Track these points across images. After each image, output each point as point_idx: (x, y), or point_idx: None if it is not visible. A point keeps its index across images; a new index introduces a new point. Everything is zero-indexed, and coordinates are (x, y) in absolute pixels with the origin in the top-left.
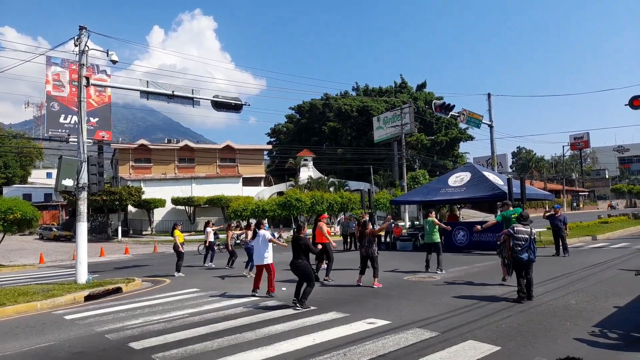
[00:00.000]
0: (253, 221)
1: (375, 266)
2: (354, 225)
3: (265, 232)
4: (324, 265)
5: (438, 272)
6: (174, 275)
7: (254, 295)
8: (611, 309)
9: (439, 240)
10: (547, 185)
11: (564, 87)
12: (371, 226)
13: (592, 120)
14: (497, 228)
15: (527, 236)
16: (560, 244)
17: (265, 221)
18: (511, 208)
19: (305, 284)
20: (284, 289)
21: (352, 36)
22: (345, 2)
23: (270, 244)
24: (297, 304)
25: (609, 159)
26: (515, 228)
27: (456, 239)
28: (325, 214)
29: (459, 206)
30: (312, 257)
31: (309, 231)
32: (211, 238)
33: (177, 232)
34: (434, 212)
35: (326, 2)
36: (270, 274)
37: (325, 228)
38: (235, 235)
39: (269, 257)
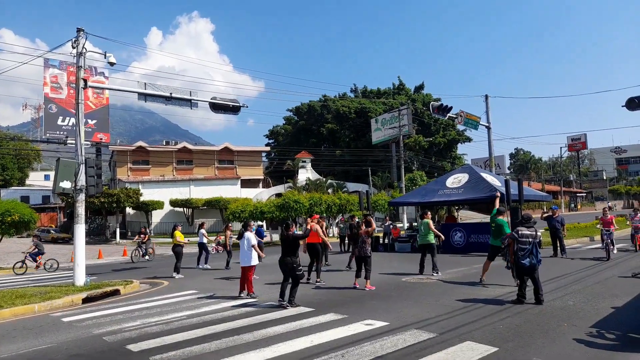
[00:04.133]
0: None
1: (367, 268)
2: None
3: (249, 236)
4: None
5: (434, 274)
6: (172, 277)
7: (240, 297)
8: (609, 309)
9: (433, 241)
10: (544, 187)
11: (561, 88)
12: (364, 227)
13: (590, 122)
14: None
15: (531, 240)
16: (558, 245)
17: (259, 223)
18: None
19: (292, 283)
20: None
21: (350, 38)
22: (344, 5)
23: (247, 247)
24: (288, 305)
25: (606, 160)
26: (519, 232)
27: (453, 240)
28: (316, 215)
29: (457, 207)
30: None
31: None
32: (204, 240)
33: (177, 233)
34: (429, 213)
35: (324, 4)
36: (249, 275)
37: (316, 227)
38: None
39: (253, 259)
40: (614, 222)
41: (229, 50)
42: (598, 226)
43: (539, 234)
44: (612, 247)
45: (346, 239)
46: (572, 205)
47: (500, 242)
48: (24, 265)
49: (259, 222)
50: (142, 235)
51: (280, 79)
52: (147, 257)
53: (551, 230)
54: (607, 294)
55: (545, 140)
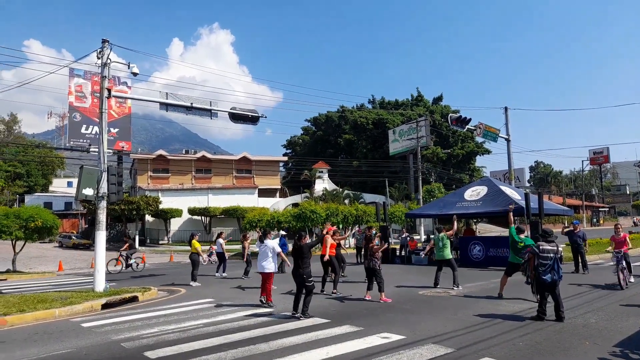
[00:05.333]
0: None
1: (379, 280)
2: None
3: (268, 243)
4: (330, 278)
5: (455, 288)
6: (189, 285)
7: (260, 305)
8: (632, 328)
9: (450, 256)
10: (565, 201)
11: (584, 98)
12: (377, 241)
13: (613, 134)
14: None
15: (552, 255)
16: (580, 260)
17: (283, 232)
18: (522, 235)
19: (304, 293)
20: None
21: (369, 49)
22: (363, 16)
23: (271, 255)
24: (301, 316)
25: (629, 175)
26: (540, 247)
27: (472, 253)
28: (332, 227)
29: (475, 220)
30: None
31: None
32: (221, 249)
33: (195, 242)
34: (446, 228)
35: (343, 17)
36: (269, 283)
37: (330, 241)
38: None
39: (269, 267)
40: (628, 241)
41: (248, 61)
42: (609, 248)
43: (560, 249)
44: (627, 274)
45: (362, 250)
46: (594, 220)
47: (521, 258)
48: None
49: (283, 232)
50: (124, 244)
51: (298, 90)
52: (133, 262)
53: (572, 246)
54: (631, 313)
55: (567, 154)
